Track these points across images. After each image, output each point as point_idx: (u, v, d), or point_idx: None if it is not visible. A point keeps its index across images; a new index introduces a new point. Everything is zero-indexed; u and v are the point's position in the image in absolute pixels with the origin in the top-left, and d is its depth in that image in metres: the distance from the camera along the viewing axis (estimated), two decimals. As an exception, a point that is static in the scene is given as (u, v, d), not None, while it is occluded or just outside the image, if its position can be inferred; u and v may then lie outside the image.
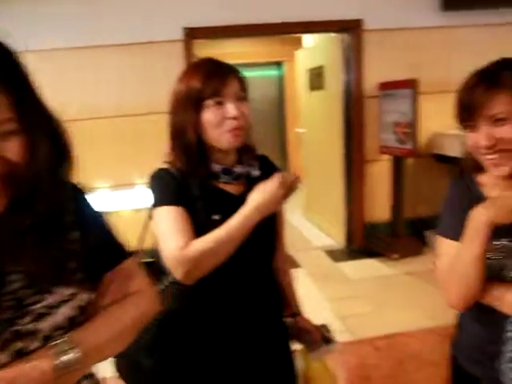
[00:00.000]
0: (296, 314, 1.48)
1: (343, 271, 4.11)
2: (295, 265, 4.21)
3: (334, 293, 3.65)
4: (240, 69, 1.29)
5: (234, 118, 1.21)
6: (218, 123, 1.21)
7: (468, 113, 1.06)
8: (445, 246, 1.16)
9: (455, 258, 1.10)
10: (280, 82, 7.70)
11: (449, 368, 1.32)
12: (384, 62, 4.27)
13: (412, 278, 3.74)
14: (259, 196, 1.18)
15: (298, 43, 5.91)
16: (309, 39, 5.56)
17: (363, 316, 3.24)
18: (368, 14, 4.17)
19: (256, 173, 1.32)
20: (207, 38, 4.46)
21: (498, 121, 1.03)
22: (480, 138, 1.05)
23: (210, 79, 1.20)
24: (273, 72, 7.71)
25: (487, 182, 1.16)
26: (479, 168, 1.15)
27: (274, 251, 1.39)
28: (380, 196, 4.46)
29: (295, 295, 1.50)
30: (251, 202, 1.18)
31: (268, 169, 1.34)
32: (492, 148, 1.04)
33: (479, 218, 1.03)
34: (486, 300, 1.09)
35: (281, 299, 1.44)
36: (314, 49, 5.21)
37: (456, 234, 1.12)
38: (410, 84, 3.83)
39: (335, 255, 4.51)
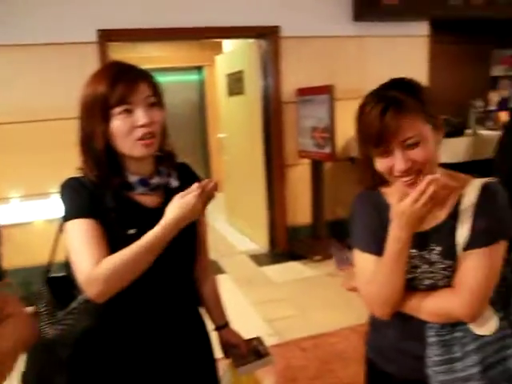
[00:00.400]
0: (222, 326, 1.44)
1: (267, 275, 4.14)
2: (220, 270, 4.19)
3: (259, 297, 3.66)
4: (159, 73, 1.24)
5: (144, 126, 1.14)
6: (127, 132, 1.14)
7: (380, 139, 1.07)
8: (362, 260, 1.19)
9: (376, 273, 1.13)
10: (201, 87, 7.64)
11: (364, 366, 1.35)
12: (301, 69, 4.38)
13: (334, 278, 3.83)
14: (177, 209, 1.12)
15: (218, 48, 5.90)
16: (228, 44, 5.57)
17: (289, 318, 3.28)
18: (285, 21, 4.25)
19: (175, 183, 1.27)
20: (123, 41, 4.33)
21: (409, 144, 1.06)
22: (396, 162, 1.07)
23: (117, 85, 1.12)
24: (193, 77, 7.64)
25: (393, 193, 1.19)
26: (384, 181, 1.18)
27: (194, 261, 1.34)
28: (301, 200, 4.55)
29: (221, 306, 1.45)
30: (169, 215, 1.12)
31: (188, 178, 1.28)
32: (408, 171, 1.07)
33: (399, 239, 1.07)
34: (405, 309, 1.14)
35: (198, 310, 1.39)
36: (232, 54, 5.22)
37: (370, 246, 1.17)
38: (327, 90, 3.95)
39: (259, 259, 4.54)
